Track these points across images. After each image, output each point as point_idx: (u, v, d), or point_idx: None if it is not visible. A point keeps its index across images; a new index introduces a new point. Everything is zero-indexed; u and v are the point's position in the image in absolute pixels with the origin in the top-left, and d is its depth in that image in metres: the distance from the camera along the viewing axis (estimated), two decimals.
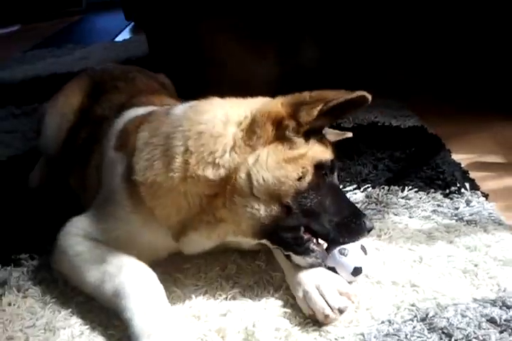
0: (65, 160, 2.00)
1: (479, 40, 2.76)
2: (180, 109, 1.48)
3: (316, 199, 1.34)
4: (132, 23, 6.00)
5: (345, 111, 1.35)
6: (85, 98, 2.04)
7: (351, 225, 1.37)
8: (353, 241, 1.38)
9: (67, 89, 2.14)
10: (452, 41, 2.97)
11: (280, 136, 1.33)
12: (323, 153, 1.38)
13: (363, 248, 1.39)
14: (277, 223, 1.33)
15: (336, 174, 1.44)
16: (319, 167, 1.35)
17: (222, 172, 1.32)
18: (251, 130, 1.33)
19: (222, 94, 1.49)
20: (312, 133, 1.36)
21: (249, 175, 1.31)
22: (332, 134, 1.59)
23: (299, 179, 1.32)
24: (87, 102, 2.03)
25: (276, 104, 1.36)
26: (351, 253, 1.37)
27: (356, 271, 1.37)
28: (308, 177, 1.33)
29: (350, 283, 1.38)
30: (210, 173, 1.32)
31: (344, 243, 1.38)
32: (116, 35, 5.55)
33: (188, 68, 2.61)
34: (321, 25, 2.55)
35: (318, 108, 1.29)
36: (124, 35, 5.57)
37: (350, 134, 1.71)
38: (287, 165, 1.31)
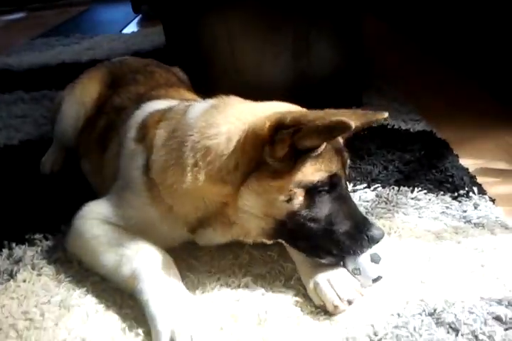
0: (81, 148, 2.01)
1: (492, 46, 2.80)
2: (196, 111, 1.45)
3: (310, 216, 1.33)
4: (139, 16, 6.02)
5: (331, 134, 1.25)
6: (104, 88, 2.05)
7: (351, 240, 1.34)
8: (355, 255, 1.36)
9: (85, 79, 2.14)
10: (465, 46, 3.01)
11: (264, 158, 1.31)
12: (315, 173, 1.31)
13: (374, 257, 1.37)
14: (280, 234, 1.38)
15: (342, 184, 1.37)
16: (311, 188, 1.32)
17: (229, 187, 1.34)
18: (245, 149, 1.31)
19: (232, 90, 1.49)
20: (304, 152, 1.30)
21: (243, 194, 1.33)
22: (361, 116, 1.43)
23: (288, 201, 1.31)
24: (105, 92, 2.03)
25: (264, 124, 1.29)
26: (364, 269, 1.37)
27: (376, 280, 1.38)
28: (298, 199, 1.31)
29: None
30: (218, 188, 1.34)
31: (345, 256, 1.38)
32: (123, 28, 5.57)
33: (199, 61, 2.59)
34: (337, 16, 2.50)
35: (290, 134, 1.24)
36: (131, 27, 5.58)
37: (386, 114, 1.46)
38: (272, 188, 1.31)
